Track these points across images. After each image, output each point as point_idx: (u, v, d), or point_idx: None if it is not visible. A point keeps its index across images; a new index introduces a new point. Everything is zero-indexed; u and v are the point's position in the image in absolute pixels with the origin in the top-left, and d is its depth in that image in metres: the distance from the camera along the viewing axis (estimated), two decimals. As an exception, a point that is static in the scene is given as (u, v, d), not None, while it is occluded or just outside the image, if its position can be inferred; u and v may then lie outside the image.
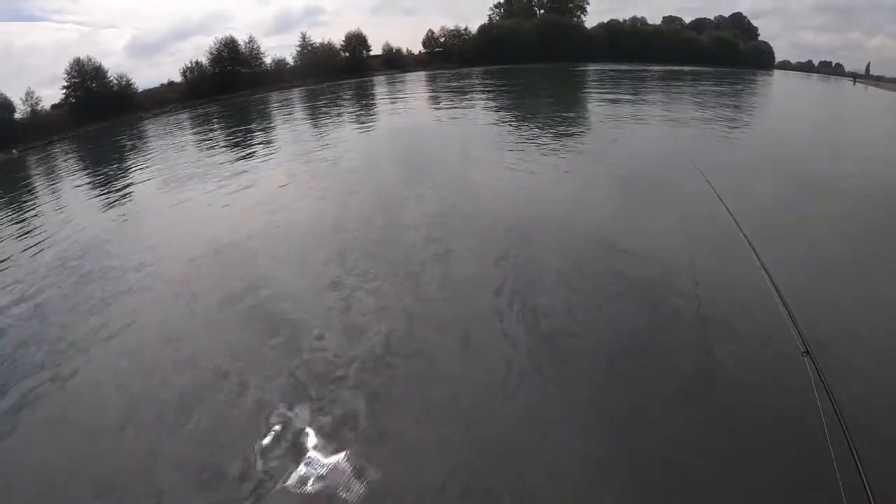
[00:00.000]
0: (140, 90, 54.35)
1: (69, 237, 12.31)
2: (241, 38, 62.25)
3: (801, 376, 3.43)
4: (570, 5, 76.94)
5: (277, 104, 43.97)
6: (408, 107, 32.89)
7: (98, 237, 11.93)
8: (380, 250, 9.13)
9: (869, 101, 38.83)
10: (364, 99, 41.42)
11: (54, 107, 48.88)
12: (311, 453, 4.80)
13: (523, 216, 10.19)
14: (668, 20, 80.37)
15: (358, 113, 31.99)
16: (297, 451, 4.83)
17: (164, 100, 54.39)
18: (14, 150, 38.08)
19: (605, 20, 78.09)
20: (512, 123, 22.83)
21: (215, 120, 37.23)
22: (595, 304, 6.99)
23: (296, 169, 16.87)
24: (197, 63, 59.16)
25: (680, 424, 4.81)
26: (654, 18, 79.87)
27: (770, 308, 4.47)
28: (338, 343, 6.48)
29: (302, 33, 68.60)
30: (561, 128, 20.72)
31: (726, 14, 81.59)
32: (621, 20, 78.02)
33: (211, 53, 59.96)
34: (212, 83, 56.99)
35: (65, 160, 29.66)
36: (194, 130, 33.25)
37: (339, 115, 31.32)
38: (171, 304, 8.12)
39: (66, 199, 17.72)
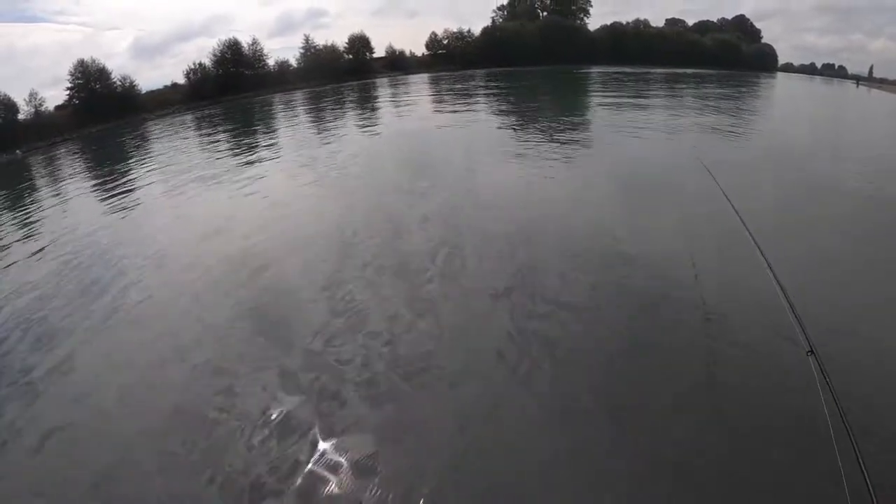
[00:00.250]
0: (143, 91, 54.53)
1: (73, 238, 12.32)
2: (245, 40, 62.44)
3: (805, 376, 3.41)
4: (573, 7, 76.98)
5: (281, 106, 44.03)
6: (411, 109, 32.90)
7: (102, 238, 11.95)
8: (383, 250, 9.13)
9: (872, 103, 38.73)
10: (367, 101, 41.46)
11: (58, 108, 49.04)
12: (312, 452, 4.79)
13: (526, 216, 10.19)
14: (671, 22, 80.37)
15: (362, 115, 32.03)
16: (298, 450, 4.82)
17: (168, 101, 54.53)
18: (18, 151, 38.20)
19: (608, 22, 78.08)
20: (516, 125, 22.82)
21: (219, 122, 37.29)
22: (597, 304, 6.98)
23: (300, 171, 16.88)
24: (200, 65, 59.36)
25: (682, 423, 4.79)
26: (657, 21, 79.89)
27: (774, 307, 4.45)
28: (340, 343, 6.48)
29: (305, 35, 68.47)
30: (564, 129, 20.72)
31: (729, 16, 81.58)
32: (624, 22, 78.00)
33: (214, 55, 60.18)
34: (215, 85, 57.11)
35: (69, 161, 29.73)
36: (198, 132, 33.32)
37: (342, 117, 31.36)
38: (173, 304, 8.13)
39: (71, 199, 17.74)
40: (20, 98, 45.46)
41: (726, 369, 5.52)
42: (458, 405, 5.27)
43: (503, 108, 30.43)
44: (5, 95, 44.35)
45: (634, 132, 19.77)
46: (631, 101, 31.36)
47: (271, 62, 64.33)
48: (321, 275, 8.45)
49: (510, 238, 9.13)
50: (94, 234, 12.32)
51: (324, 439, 4.93)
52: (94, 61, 51.18)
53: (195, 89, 56.77)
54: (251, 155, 20.79)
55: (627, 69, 59.52)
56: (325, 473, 4.55)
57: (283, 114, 38.75)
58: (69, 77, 50.26)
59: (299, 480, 4.51)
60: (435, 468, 4.51)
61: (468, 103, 32.88)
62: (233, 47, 60.80)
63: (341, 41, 68.56)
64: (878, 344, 5.80)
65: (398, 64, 70.28)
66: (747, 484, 4.14)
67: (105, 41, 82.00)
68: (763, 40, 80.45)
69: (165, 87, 58.71)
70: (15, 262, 11.25)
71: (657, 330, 6.32)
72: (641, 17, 78.83)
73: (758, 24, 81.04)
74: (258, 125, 33.21)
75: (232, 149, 23.25)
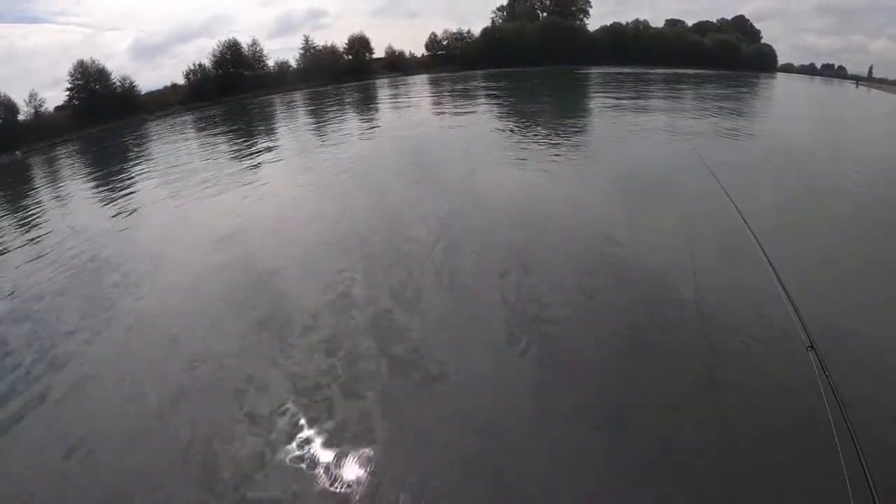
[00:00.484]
0: (143, 92, 54.48)
1: (72, 239, 12.35)
2: (244, 41, 62.34)
3: (805, 372, 3.40)
4: (573, 8, 76.86)
5: (280, 107, 44.04)
6: (411, 110, 32.92)
7: (102, 240, 11.96)
8: (382, 249, 9.15)
9: (872, 103, 38.70)
10: (367, 102, 41.48)
11: (58, 108, 48.98)
12: (312, 451, 4.81)
13: (527, 216, 10.20)
14: (671, 23, 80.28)
15: (362, 116, 32.04)
16: (298, 450, 4.84)
17: (167, 102, 54.48)
18: (17, 152, 38.20)
19: (608, 23, 78.00)
20: (516, 126, 22.81)
21: (218, 123, 37.28)
22: (597, 301, 7.01)
23: (299, 171, 16.92)
24: (200, 65, 59.26)
25: (683, 422, 4.80)
26: (657, 21, 79.78)
27: (774, 304, 4.45)
28: (341, 342, 6.48)
29: (305, 36, 68.49)
30: (564, 130, 20.72)
31: (729, 17, 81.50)
32: (624, 23, 77.93)
33: (214, 56, 60.07)
34: (215, 85, 57.04)
35: (68, 162, 29.73)
36: (198, 133, 33.32)
37: (342, 118, 31.36)
38: (173, 305, 8.14)
39: (70, 200, 17.75)
40: (20, 99, 45.50)
41: (727, 367, 5.52)
42: (457, 406, 5.27)
43: (503, 109, 30.44)
44: (5, 96, 44.38)
45: (634, 132, 19.80)
46: (631, 101, 31.35)
47: (271, 63, 64.29)
48: (322, 273, 8.47)
49: (510, 237, 9.14)
50: (95, 236, 12.32)
51: (322, 439, 4.94)
52: (93, 62, 51.18)
53: (195, 90, 56.71)
54: (251, 156, 20.79)
55: (627, 70, 59.51)
56: (323, 473, 4.56)
57: (282, 115, 38.77)
58: (69, 78, 50.25)
59: (299, 480, 4.52)
60: (434, 468, 4.52)
61: (468, 104, 32.87)
62: (232, 48, 60.74)
63: (341, 42, 68.49)
64: (877, 340, 5.79)
65: (398, 65, 70.22)
66: (748, 483, 4.14)
67: (105, 42, 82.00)
68: (763, 41, 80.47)
69: (165, 87, 58.64)
70: (14, 264, 11.25)
71: (657, 327, 6.33)
72: (641, 18, 78.82)
73: (757, 25, 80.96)
74: (258, 126, 33.22)
75: (232, 150, 23.25)
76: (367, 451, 4.74)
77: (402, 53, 72.40)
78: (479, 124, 24.02)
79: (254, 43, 62.74)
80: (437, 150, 18.57)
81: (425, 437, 4.90)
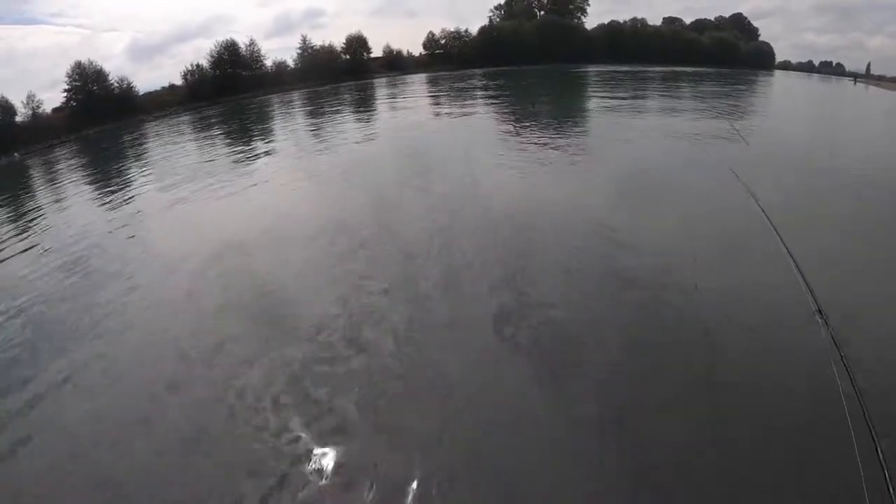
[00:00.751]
0: (141, 93, 54.34)
1: (70, 240, 12.32)
2: (242, 41, 62.21)
3: (815, 337, 3.39)
4: (571, 6, 76.80)
5: (278, 107, 43.99)
6: (409, 109, 32.87)
7: (99, 241, 11.95)
8: (380, 248, 9.17)
9: (870, 100, 38.68)
10: (365, 101, 41.45)
11: (55, 110, 48.87)
12: (310, 451, 4.82)
13: (525, 215, 10.21)
14: (669, 21, 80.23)
15: (359, 115, 32.01)
16: (297, 449, 4.85)
17: (165, 102, 54.36)
18: (15, 154, 38.13)
19: (606, 21, 77.95)
20: (514, 126, 22.79)
21: (216, 123, 37.24)
22: (600, 292, 7.08)
23: (298, 172, 16.89)
24: (198, 66, 59.10)
25: (685, 414, 4.81)
26: (655, 19, 79.73)
27: (784, 272, 4.47)
28: (339, 341, 6.49)
29: (302, 35, 68.35)
30: (563, 128, 20.71)
31: (727, 15, 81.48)
32: (621, 21, 77.90)
33: (211, 56, 59.91)
34: (212, 86, 56.90)
35: (66, 164, 29.66)
36: (196, 133, 33.27)
37: (341, 117, 31.33)
38: (172, 305, 8.15)
39: (68, 202, 17.73)
40: (18, 100, 45.41)
41: (727, 366, 5.53)
42: (456, 405, 5.27)
43: (501, 108, 30.42)
44: (3, 98, 44.23)
45: (632, 130, 19.79)
46: (630, 99, 31.33)
47: (269, 63, 64.16)
48: (320, 273, 8.50)
49: (509, 236, 9.15)
50: (92, 238, 12.30)
51: (320, 439, 4.95)
52: (91, 63, 51.04)
53: (193, 90, 56.58)
54: (249, 157, 20.78)
55: (625, 68, 59.45)
56: (322, 472, 4.57)
57: (280, 115, 38.72)
58: (66, 79, 50.11)
59: (298, 479, 4.52)
60: (433, 467, 4.51)
61: (466, 104, 32.86)
62: (230, 48, 60.60)
63: (339, 41, 68.40)
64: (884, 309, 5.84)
65: (396, 64, 70.14)
66: (749, 481, 4.14)
67: (102, 43, 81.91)
68: (761, 39, 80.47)
69: (163, 88, 58.50)
70: (11, 265, 11.24)
71: (660, 316, 6.42)
72: (638, 16, 78.78)
73: (756, 23, 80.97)
74: (256, 126, 33.19)
75: (230, 151, 23.22)
76: (366, 450, 4.75)
77: (399, 53, 72.37)
78: (477, 123, 24.03)
79: (251, 43, 62.65)
80: (435, 150, 18.56)
81: (424, 436, 4.89)
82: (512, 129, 21.77)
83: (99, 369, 6.64)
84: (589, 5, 77.54)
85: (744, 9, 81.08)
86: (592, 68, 60.14)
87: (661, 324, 6.40)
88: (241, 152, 22.07)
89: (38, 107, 46.47)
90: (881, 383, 4.81)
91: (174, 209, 13.93)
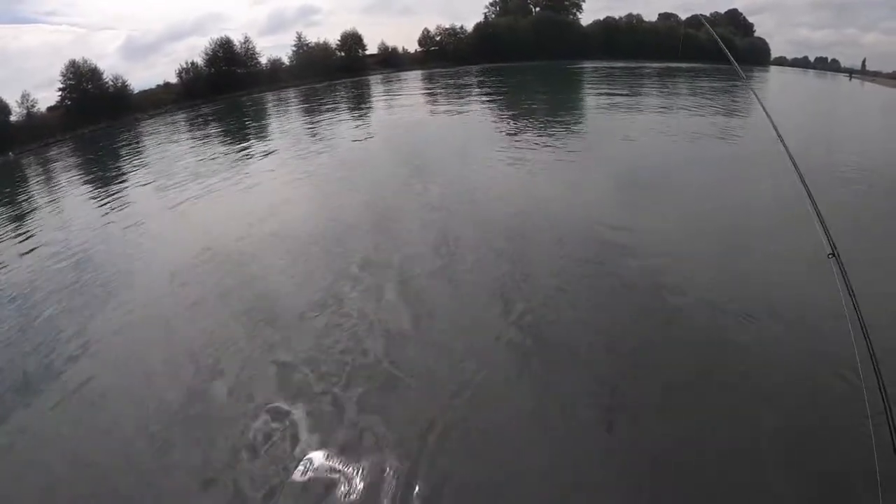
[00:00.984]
0: (136, 91, 54.09)
1: (67, 240, 12.31)
2: (237, 39, 61.95)
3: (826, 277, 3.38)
4: (566, 3, 76.69)
5: (274, 105, 43.87)
6: (405, 106, 32.82)
7: (95, 242, 11.93)
8: (378, 247, 9.19)
9: (866, 97, 38.70)
10: (361, 98, 41.36)
11: (50, 109, 48.61)
12: (309, 451, 4.84)
13: (523, 213, 10.23)
14: (664, 17, 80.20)
15: (355, 112, 31.96)
16: (294, 449, 4.88)
17: (160, 101, 54.09)
18: (10, 153, 37.93)
19: (601, 17, 77.88)
20: (511, 122, 22.81)
21: (211, 121, 37.13)
22: (598, 294, 7.05)
23: (293, 169, 16.86)
24: (192, 64, 58.80)
25: (693, 408, 4.82)
26: (650, 15, 79.69)
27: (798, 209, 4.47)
28: (338, 339, 6.51)
29: (297, 33, 68.04)
30: (560, 125, 20.69)
31: (722, 10, 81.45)
32: (617, 17, 77.85)
33: (206, 54, 59.61)
34: (207, 84, 56.64)
35: (61, 163, 29.55)
36: (190, 132, 33.15)
37: (336, 115, 31.25)
38: (166, 305, 8.14)
39: (63, 201, 17.69)
40: (12, 100, 45.18)
41: (726, 366, 5.56)
42: (455, 404, 5.28)
43: (497, 104, 30.37)
44: (-3, 97, 44.03)
45: (630, 126, 19.81)
46: (627, 94, 31.31)
47: (264, 60, 63.89)
48: (316, 271, 8.52)
49: (507, 235, 9.17)
50: (88, 238, 12.30)
51: (317, 437, 4.99)
52: (85, 62, 50.75)
53: (188, 89, 56.31)
54: (244, 155, 20.73)
55: (621, 64, 59.41)
56: (320, 472, 4.60)
57: (276, 113, 38.64)
58: (61, 78, 49.81)
59: (296, 478, 4.55)
60: (429, 466, 4.52)
61: (462, 100, 32.82)
62: (225, 46, 60.34)
63: (334, 39, 68.19)
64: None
65: (391, 61, 69.93)
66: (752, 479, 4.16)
67: (97, 42, 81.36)
68: (756, 34, 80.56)
69: (158, 86, 58.15)
70: (7, 266, 11.21)
71: (658, 321, 6.39)
72: (634, 12, 78.74)
73: (751, 19, 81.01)
74: (251, 124, 33.11)
75: (225, 149, 23.18)
76: (364, 449, 4.77)
77: (395, 49, 72.15)
78: (473, 120, 23.99)
79: (246, 40, 62.38)
80: (430, 147, 18.57)
81: (423, 435, 4.91)
82: (508, 125, 21.79)
83: (96, 370, 6.64)
84: (584, 1, 77.51)
85: (738, 4, 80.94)
86: (588, 64, 60.09)
87: (660, 321, 6.43)
88: (238, 151, 22.02)
89: (32, 106, 46.29)
90: None
91: (170, 208, 13.92)
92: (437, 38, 73.90)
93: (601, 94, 32.90)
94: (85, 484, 4.88)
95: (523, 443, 4.74)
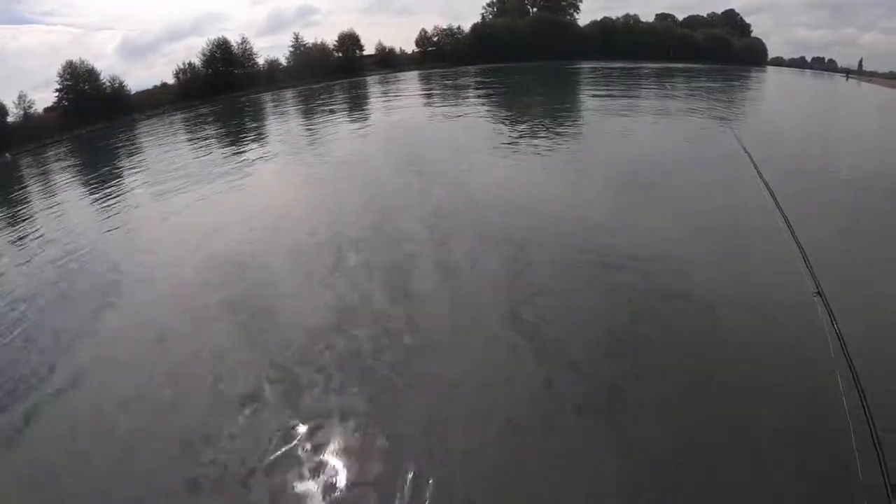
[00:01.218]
0: (133, 92, 54.08)
1: (64, 242, 12.28)
2: (234, 39, 61.97)
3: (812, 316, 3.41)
4: (563, 3, 76.80)
5: (272, 105, 43.87)
6: (403, 107, 32.80)
7: (92, 242, 11.91)
8: (376, 247, 9.18)
9: (863, 97, 38.77)
10: (358, 99, 41.34)
11: (47, 110, 48.59)
12: (309, 451, 4.83)
13: (522, 213, 10.23)
14: (661, 17, 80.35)
15: (352, 113, 31.93)
16: (294, 449, 4.87)
17: (158, 101, 54.08)
18: (7, 154, 37.88)
19: (599, 18, 78.01)
20: (508, 122, 22.82)
21: (209, 121, 37.09)
22: (596, 293, 7.07)
23: (291, 170, 16.89)
24: (190, 64, 58.82)
25: (685, 410, 4.84)
26: (647, 16, 79.85)
27: (784, 250, 4.49)
28: (337, 339, 6.51)
29: (295, 33, 68.12)
30: (558, 125, 20.69)
31: (719, 11, 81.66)
32: (614, 18, 77.99)
33: (204, 54, 59.64)
34: (205, 84, 56.65)
35: (58, 164, 29.49)
36: (188, 132, 33.11)
37: (333, 115, 31.22)
38: (167, 308, 8.12)
39: (61, 203, 17.63)
40: (9, 100, 45.15)
41: (725, 366, 5.57)
42: (453, 403, 5.29)
43: (496, 105, 30.38)
44: (-6, 98, 44.00)
45: (629, 125, 19.85)
46: (624, 94, 31.36)
47: (261, 61, 63.95)
48: (314, 272, 8.51)
49: (505, 235, 9.15)
50: (85, 238, 12.27)
51: (317, 437, 4.98)
52: (82, 62, 50.75)
53: (185, 89, 56.31)
54: (242, 155, 20.70)
55: (619, 64, 59.47)
56: (319, 471, 4.60)
57: (273, 113, 38.62)
58: (58, 79, 49.81)
59: (295, 478, 4.55)
60: (427, 466, 4.53)
61: (459, 101, 32.84)
62: (222, 46, 60.35)
63: (331, 39, 68.23)
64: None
65: (389, 61, 69.98)
66: (742, 478, 4.17)
67: (94, 42, 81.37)
68: (753, 34, 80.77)
69: (155, 87, 58.16)
70: (4, 269, 11.20)
71: (656, 320, 6.41)
72: (631, 13, 78.88)
73: (748, 19, 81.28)
74: (249, 125, 33.09)
75: (223, 150, 23.16)
76: (363, 449, 4.77)
77: (392, 50, 72.21)
78: (471, 121, 23.96)
79: (244, 41, 62.41)
80: (429, 147, 18.54)
81: (422, 434, 4.92)
82: (506, 125, 21.80)
83: (93, 372, 6.65)
84: (581, 2, 77.63)
85: (735, 4, 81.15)
86: (586, 65, 60.13)
87: (661, 321, 6.44)
88: (235, 152, 22.00)
89: (29, 107, 46.29)
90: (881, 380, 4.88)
91: (167, 209, 13.88)
92: (435, 39, 74.01)
93: (599, 94, 32.94)
94: (83, 486, 4.87)
95: (523, 443, 4.74)
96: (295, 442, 4.95)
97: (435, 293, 7.50)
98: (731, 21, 79.69)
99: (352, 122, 27.62)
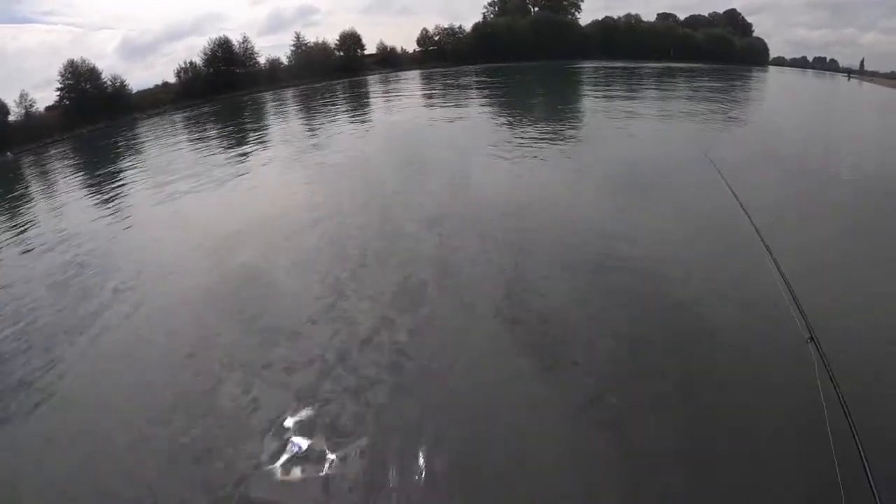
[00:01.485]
0: (134, 91, 54.10)
1: (65, 241, 12.29)
2: (235, 39, 62.01)
3: (805, 362, 3.42)
4: (565, 3, 76.76)
5: (272, 104, 43.87)
6: (404, 106, 32.79)
7: (93, 241, 11.91)
8: (376, 248, 9.16)
9: (864, 97, 38.70)
10: (359, 98, 41.33)
11: (48, 109, 48.64)
12: (304, 451, 4.84)
13: (522, 213, 10.22)
14: (662, 17, 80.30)
15: (353, 112, 31.91)
16: (290, 448, 4.88)
17: (159, 101, 54.12)
18: (8, 153, 37.92)
19: (600, 17, 77.99)
20: (508, 122, 22.81)
21: (210, 121, 37.09)
22: (595, 296, 7.02)
23: (292, 169, 16.86)
24: (191, 63, 58.87)
25: (676, 416, 4.84)
26: (649, 16, 79.81)
27: (774, 295, 4.48)
28: (336, 339, 6.51)
29: (296, 33, 68.10)
30: (560, 126, 20.68)
31: (720, 10, 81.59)
32: (615, 17, 77.97)
33: (205, 54, 59.70)
34: (206, 83, 56.69)
35: (59, 163, 29.51)
36: (189, 131, 33.13)
37: (334, 114, 31.23)
38: (167, 307, 8.12)
39: (61, 201, 17.66)
40: (10, 100, 45.20)
41: (726, 360, 5.57)
42: (451, 404, 5.29)
43: (497, 105, 30.36)
44: (-4, 97, 44.04)
45: (630, 126, 19.85)
46: (625, 94, 31.34)
47: (262, 60, 63.99)
48: (313, 272, 8.51)
49: (506, 235, 9.15)
50: (85, 238, 12.27)
51: (316, 437, 4.98)
52: (84, 62, 50.78)
53: (186, 88, 56.36)
54: (243, 155, 20.71)
55: (620, 64, 59.44)
56: (319, 471, 4.62)
57: (274, 112, 38.63)
58: (59, 78, 49.84)
59: (295, 477, 4.57)
60: (430, 465, 4.53)
61: (461, 100, 32.85)
62: (223, 46, 60.40)
63: (332, 38, 68.29)
64: (876, 332, 5.84)
65: (390, 61, 70.01)
66: (743, 478, 4.17)
67: (95, 41, 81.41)
68: (755, 34, 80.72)
69: (156, 86, 58.20)
70: (5, 266, 11.21)
71: (656, 323, 6.36)
72: (632, 12, 78.84)
73: (749, 19, 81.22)
74: (250, 124, 33.07)
75: (223, 149, 23.12)
76: (363, 449, 4.77)
77: (393, 49, 72.26)
78: (472, 120, 23.96)
79: (245, 40, 62.48)
80: (429, 146, 18.57)
81: (422, 434, 4.92)
82: (507, 125, 21.80)
83: (92, 371, 6.66)
84: (583, 1, 77.59)
85: (737, 4, 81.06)
86: (587, 64, 60.13)
87: (658, 321, 6.43)
88: (236, 151, 21.99)
89: (30, 106, 46.34)
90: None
91: (169, 208, 13.90)
92: (436, 38, 74.04)
93: (600, 94, 32.95)
94: (80, 486, 4.88)
95: (522, 443, 4.74)
96: (294, 441, 4.96)
97: (434, 293, 7.50)
98: (733, 21, 79.62)
99: (353, 121, 27.61)
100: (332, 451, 4.79)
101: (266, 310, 7.59)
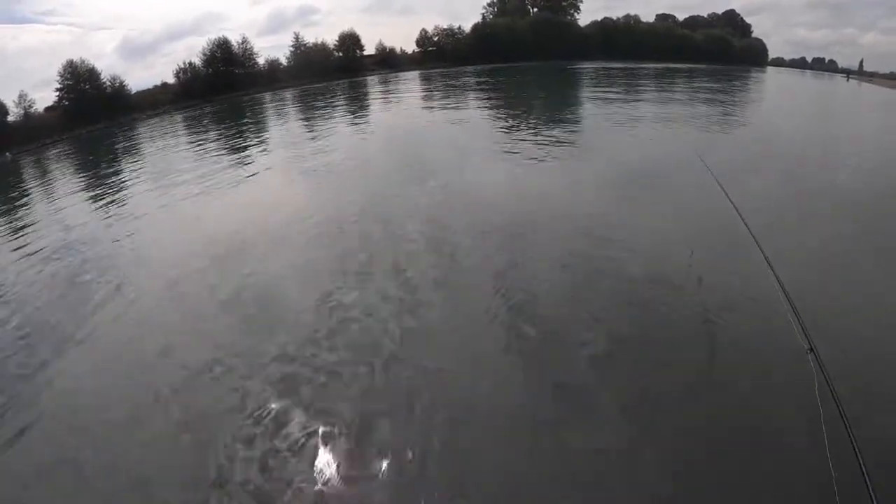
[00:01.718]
0: (133, 92, 54.21)
1: (64, 241, 12.27)
2: (235, 39, 62.14)
3: (805, 374, 3.42)
4: (564, 3, 76.88)
5: (271, 105, 43.88)
6: (403, 107, 32.80)
7: (92, 242, 11.89)
8: (376, 248, 9.15)
9: (864, 98, 38.71)
10: (358, 99, 41.35)
11: (47, 109, 48.76)
12: (308, 451, 4.81)
13: (522, 212, 10.21)
14: (661, 17, 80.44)
15: (352, 113, 31.92)
16: (293, 449, 4.85)
17: (158, 101, 54.24)
18: (7, 154, 37.94)
19: (599, 18, 78.14)
20: (510, 124, 22.80)
21: (209, 121, 37.12)
22: (593, 302, 7.00)
23: (290, 170, 16.88)
24: (190, 64, 59.06)
25: (677, 423, 4.82)
26: (648, 16, 79.98)
27: (774, 305, 4.48)
28: (336, 340, 6.50)
29: (295, 33, 68.43)
30: (559, 127, 20.69)
31: (719, 11, 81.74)
32: (615, 18, 78.11)
33: (204, 54, 59.89)
34: (205, 84, 56.81)
35: (59, 163, 29.53)
36: (188, 132, 33.15)
37: (333, 115, 31.25)
38: (167, 307, 8.12)
39: (61, 202, 17.62)
40: (9, 100, 45.24)
41: (725, 368, 5.55)
42: (451, 403, 5.28)
43: (496, 105, 30.39)
44: (-6, 97, 44.10)
45: (629, 126, 19.85)
46: (624, 95, 31.36)
47: (261, 61, 64.16)
48: (313, 272, 8.50)
49: (505, 236, 9.14)
50: (85, 239, 12.25)
51: (316, 437, 4.96)
52: (83, 62, 50.92)
53: (185, 89, 56.49)
54: (241, 155, 20.71)
55: (619, 65, 59.51)
56: (318, 471, 4.59)
57: (273, 113, 38.62)
58: (58, 78, 50.01)
59: (295, 477, 4.55)
60: (430, 467, 4.52)
61: (460, 101, 32.86)
62: (223, 46, 60.55)
63: (332, 39, 68.43)
64: (876, 342, 5.82)
65: (389, 61, 70.13)
66: (741, 481, 4.16)
67: (94, 42, 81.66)
68: (754, 35, 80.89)
69: (155, 86, 58.37)
70: (3, 267, 11.20)
71: (654, 328, 6.34)
72: (632, 13, 79.00)
73: (748, 19, 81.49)
74: (249, 125, 33.06)
75: (222, 149, 23.13)
76: (362, 449, 4.76)
77: (393, 50, 72.43)
78: (472, 121, 23.97)
79: (244, 41, 62.65)
80: (429, 147, 18.55)
81: (421, 434, 4.90)
82: (507, 125, 21.80)
83: (91, 371, 6.65)
84: (582, 2, 77.72)
85: (736, 5, 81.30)
86: (587, 65, 60.17)
87: (658, 321, 6.42)
88: (236, 151, 22.00)
89: (30, 106, 46.47)
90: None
91: (168, 209, 13.89)
92: (435, 39, 74.20)
93: (600, 95, 32.93)
94: (79, 487, 4.87)
95: (522, 443, 4.74)
96: (292, 442, 4.94)
97: (434, 293, 7.49)
98: (732, 21, 79.80)
99: (352, 122, 27.62)
100: (332, 451, 4.78)
101: (267, 308, 7.58)
